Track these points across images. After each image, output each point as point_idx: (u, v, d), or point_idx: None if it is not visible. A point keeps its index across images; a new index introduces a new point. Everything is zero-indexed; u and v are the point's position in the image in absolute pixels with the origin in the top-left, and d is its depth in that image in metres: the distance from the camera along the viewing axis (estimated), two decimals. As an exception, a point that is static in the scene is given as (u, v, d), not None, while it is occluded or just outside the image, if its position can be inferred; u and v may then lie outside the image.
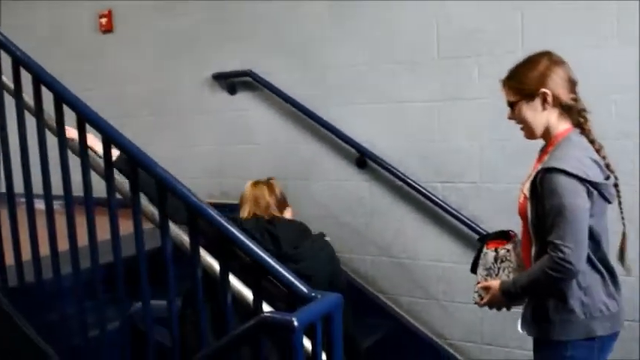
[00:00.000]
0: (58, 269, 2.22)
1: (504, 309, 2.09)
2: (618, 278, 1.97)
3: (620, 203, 1.96)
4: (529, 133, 2.00)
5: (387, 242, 3.48)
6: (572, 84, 1.95)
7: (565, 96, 1.93)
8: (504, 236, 2.11)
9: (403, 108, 3.35)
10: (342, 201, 3.56)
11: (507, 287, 1.96)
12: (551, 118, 1.95)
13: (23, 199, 2.26)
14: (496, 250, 2.07)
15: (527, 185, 1.93)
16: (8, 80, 2.29)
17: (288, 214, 2.54)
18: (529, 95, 1.94)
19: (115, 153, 2.03)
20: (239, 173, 3.83)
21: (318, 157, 3.63)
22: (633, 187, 2.77)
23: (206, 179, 3.92)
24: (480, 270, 2.10)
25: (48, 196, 2.21)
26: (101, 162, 2.05)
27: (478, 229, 3.11)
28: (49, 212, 2.21)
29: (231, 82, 3.87)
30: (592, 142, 1.94)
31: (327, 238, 2.47)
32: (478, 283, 2.10)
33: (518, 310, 2.10)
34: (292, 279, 1.64)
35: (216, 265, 1.88)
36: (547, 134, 1.98)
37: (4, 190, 2.35)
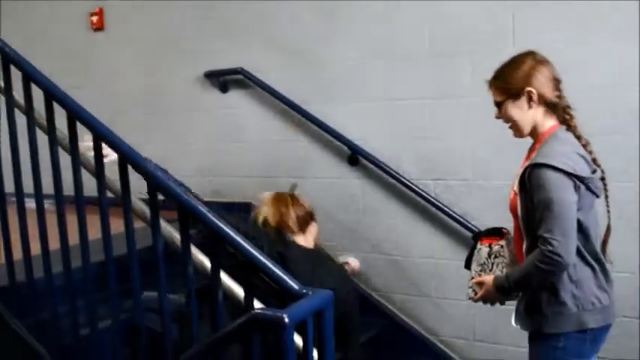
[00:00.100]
0: (49, 268, 2.21)
1: (498, 304, 2.11)
2: (609, 271, 1.99)
3: (607, 197, 2.00)
4: (517, 131, 2.04)
5: (380, 239, 3.48)
6: (556, 82, 1.99)
7: (550, 94, 1.96)
8: (497, 233, 2.13)
9: (395, 106, 3.35)
10: (335, 199, 3.56)
11: (501, 282, 1.99)
12: (537, 116, 1.98)
13: (14, 198, 2.25)
14: (490, 246, 2.09)
15: (517, 182, 1.95)
16: (-2, 78, 2.27)
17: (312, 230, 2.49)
18: (515, 94, 1.97)
19: (109, 152, 2.02)
20: (231, 171, 3.83)
21: (310, 154, 3.63)
22: (628, 185, 2.78)
23: (198, 177, 3.90)
24: (474, 266, 2.12)
25: (39, 195, 2.20)
26: (92, 160, 2.04)
27: (470, 225, 3.12)
28: (40, 211, 2.20)
29: (223, 80, 3.86)
30: (578, 137, 1.98)
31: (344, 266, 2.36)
32: (472, 278, 2.11)
33: (509, 308, 2.12)
34: (283, 275, 1.63)
35: (207, 263, 1.87)
36: (534, 132, 2.01)
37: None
